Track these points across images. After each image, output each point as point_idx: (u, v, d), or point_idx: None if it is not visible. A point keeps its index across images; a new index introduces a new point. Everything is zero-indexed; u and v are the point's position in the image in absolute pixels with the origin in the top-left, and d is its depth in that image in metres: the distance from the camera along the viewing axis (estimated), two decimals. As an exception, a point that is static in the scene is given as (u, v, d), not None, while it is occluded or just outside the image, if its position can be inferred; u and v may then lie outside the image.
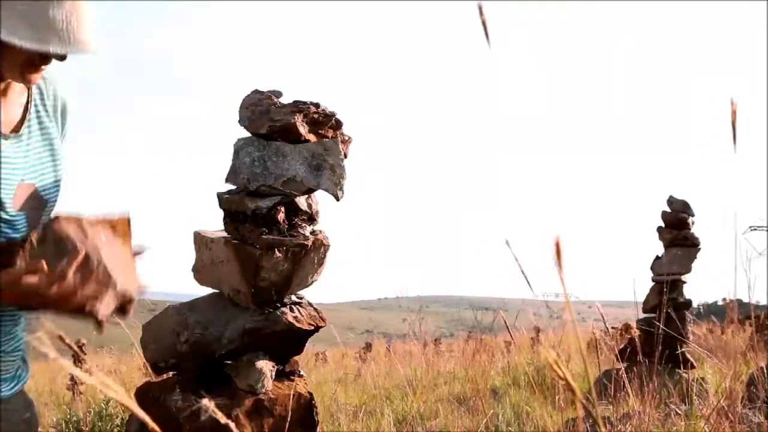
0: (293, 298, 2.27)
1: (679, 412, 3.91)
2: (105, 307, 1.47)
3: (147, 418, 0.64)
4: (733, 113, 0.93)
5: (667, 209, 6.33)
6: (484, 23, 0.85)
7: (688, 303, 6.22)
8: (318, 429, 2.25)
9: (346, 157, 2.24)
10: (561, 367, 0.57)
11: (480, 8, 0.85)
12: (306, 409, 2.23)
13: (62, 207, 1.66)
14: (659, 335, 4.55)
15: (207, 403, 0.67)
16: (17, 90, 1.60)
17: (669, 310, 5.54)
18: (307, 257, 2.20)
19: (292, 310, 2.21)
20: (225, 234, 2.23)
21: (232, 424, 0.68)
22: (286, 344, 2.23)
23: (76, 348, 0.82)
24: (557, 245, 0.58)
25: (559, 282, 0.60)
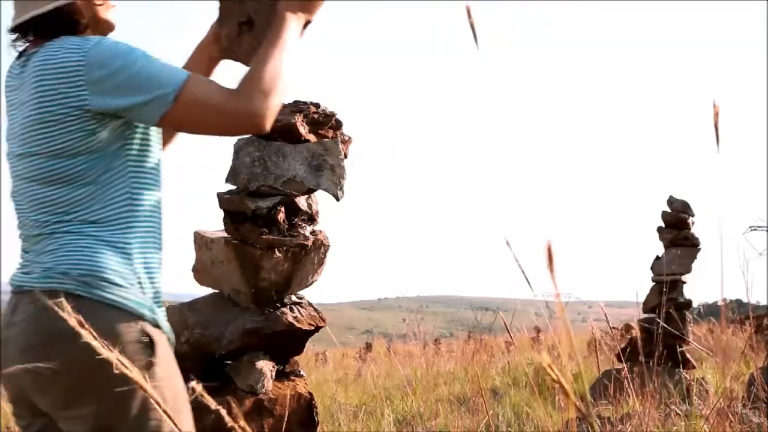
0: (293, 298, 2.27)
1: (680, 412, 3.91)
2: None
3: (157, 397, 0.64)
4: (716, 115, 0.93)
5: (668, 209, 6.34)
6: (472, 25, 0.85)
7: (689, 303, 6.22)
8: (318, 429, 2.26)
9: (346, 157, 2.24)
10: (555, 369, 0.58)
11: (468, 10, 0.84)
12: (306, 409, 2.23)
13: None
14: (660, 335, 4.55)
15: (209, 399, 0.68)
16: None
17: (669, 311, 5.55)
18: (307, 257, 2.20)
19: (292, 310, 2.21)
20: (225, 234, 2.23)
21: (237, 424, 0.68)
22: (287, 344, 2.24)
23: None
24: (549, 249, 0.58)
25: (554, 283, 0.60)
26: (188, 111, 1.54)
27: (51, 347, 1.45)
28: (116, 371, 1.52)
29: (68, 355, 1.44)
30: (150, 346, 1.54)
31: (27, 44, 1.66)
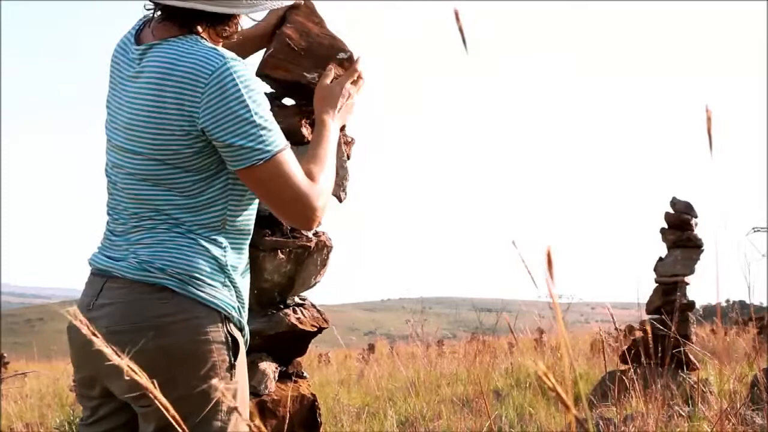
0: (296, 299, 2.27)
1: (683, 413, 3.91)
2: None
3: (166, 402, 0.65)
4: (708, 120, 0.93)
5: (671, 210, 6.33)
6: (460, 29, 0.84)
7: (691, 304, 6.21)
8: (321, 430, 2.26)
9: (348, 158, 2.24)
10: (551, 377, 0.58)
11: (456, 13, 0.84)
12: (309, 410, 2.23)
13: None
14: (662, 337, 4.55)
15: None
16: None
17: (672, 312, 5.54)
18: (310, 258, 2.20)
19: (295, 311, 2.22)
20: (228, 236, 2.23)
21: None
22: (289, 345, 2.24)
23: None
24: (548, 254, 0.59)
25: (559, 286, 0.61)
26: (271, 177, 1.56)
27: (139, 334, 1.47)
28: (196, 369, 1.56)
29: (154, 345, 1.47)
30: (234, 347, 1.58)
31: (150, 22, 1.61)
